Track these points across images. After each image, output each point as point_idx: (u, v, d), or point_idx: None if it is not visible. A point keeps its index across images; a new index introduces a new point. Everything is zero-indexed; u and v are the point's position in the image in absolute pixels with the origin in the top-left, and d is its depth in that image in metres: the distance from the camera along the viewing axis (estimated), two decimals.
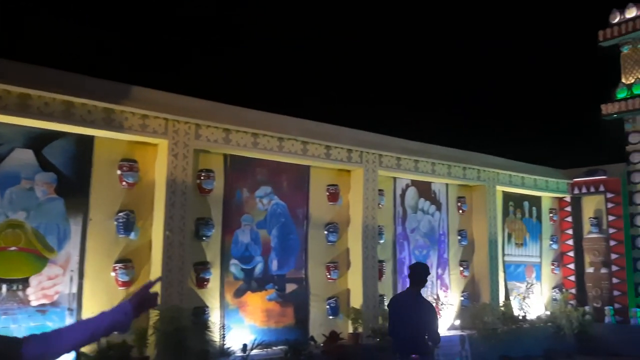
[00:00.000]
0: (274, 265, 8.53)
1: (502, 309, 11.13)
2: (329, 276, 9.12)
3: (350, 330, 8.96)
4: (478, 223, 11.52)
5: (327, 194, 9.33)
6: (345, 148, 9.15)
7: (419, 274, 5.45)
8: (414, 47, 20.95)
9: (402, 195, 10.55)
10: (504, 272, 12.02)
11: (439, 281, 10.90)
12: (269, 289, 8.44)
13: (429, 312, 5.37)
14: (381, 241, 9.85)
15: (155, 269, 7.04)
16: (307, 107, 12.46)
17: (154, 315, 6.56)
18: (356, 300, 9.20)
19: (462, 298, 11.15)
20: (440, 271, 11.00)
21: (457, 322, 10.74)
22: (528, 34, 20.42)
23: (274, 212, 8.61)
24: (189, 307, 7.20)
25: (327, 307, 9.04)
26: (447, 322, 10.63)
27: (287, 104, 11.39)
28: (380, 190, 9.89)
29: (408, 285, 5.68)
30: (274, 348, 7.95)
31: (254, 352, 7.62)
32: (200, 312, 7.46)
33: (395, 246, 10.25)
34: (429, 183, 10.95)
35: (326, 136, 8.91)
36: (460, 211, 11.47)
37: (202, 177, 7.77)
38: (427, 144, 10.63)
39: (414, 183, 10.70)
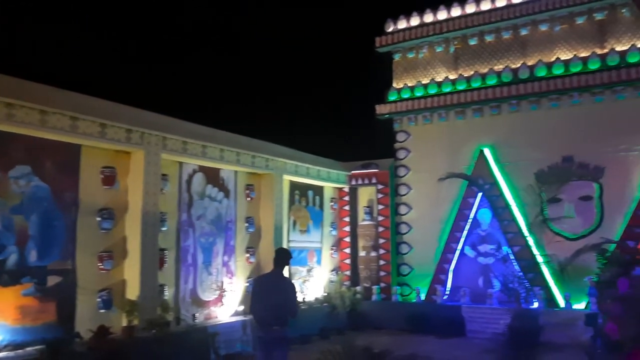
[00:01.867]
0: (32, 255, 7.49)
1: None
2: (101, 267, 8.38)
3: (125, 323, 8.37)
4: (265, 210, 11.80)
5: (102, 176, 8.54)
6: (123, 127, 8.47)
7: (282, 257, 6.24)
8: (209, 29, 20.68)
9: (189, 181, 10.23)
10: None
11: (224, 268, 10.88)
12: (25, 282, 7.38)
13: (291, 289, 6.10)
14: (163, 229, 9.41)
15: None
16: (78, 80, 11.32)
17: None
18: (133, 292, 8.63)
19: (247, 284, 11.31)
20: (226, 258, 10.97)
21: (242, 308, 10.85)
22: (320, 35, 21.73)
23: (34, 195, 7.55)
24: None
25: (99, 300, 8.30)
26: (230, 309, 10.68)
27: (53, 75, 10.17)
28: (164, 175, 9.43)
29: (273, 267, 6.30)
30: (28, 349, 6.98)
31: (1, 354, 6.58)
32: None
33: (179, 234, 9.89)
34: (218, 169, 10.84)
35: (101, 112, 8.12)
36: (249, 198, 11.61)
37: None
38: (216, 129, 10.48)
39: (202, 169, 10.47)
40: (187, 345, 8.68)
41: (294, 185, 12.90)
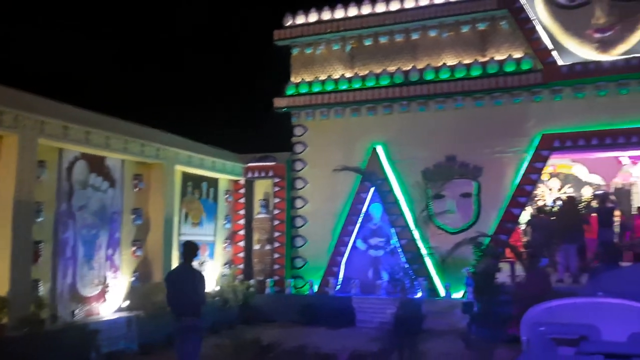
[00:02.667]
0: None
1: None
2: None
3: None
4: (155, 202, 11.32)
5: None
6: None
7: (189, 251, 6.66)
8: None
9: (70, 169, 9.52)
10: (179, 251, 12.15)
11: (108, 262, 10.28)
12: None
13: (200, 280, 6.57)
14: (39, 219, 8.68)
15: None
16: None
17: None
18: (2, 287, 7.87)
19: (133, 279, 10.79)
20: (110, 252, 10.37)
21: (126, 304, 10.33)
22: (221, 22, 21.29)
23: None
24: None
25: None
26: (114, 305, 10.12)
27: None
28: (41, 161, 8.70)
29: (182, 261, 6.88)
30: None
31: None
32: None
33: (57, 225, 9.18)
34: (103, 157, 10.20)
35: None
36: (137, 189, 11.07)
37: None
38: (101, 115, 9.85)
39: (85, 156, 9.78)
40: (63, 344, 8.07)
41: (186, 177, 12.50)
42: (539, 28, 11.73)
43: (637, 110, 11.04)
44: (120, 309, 10.19)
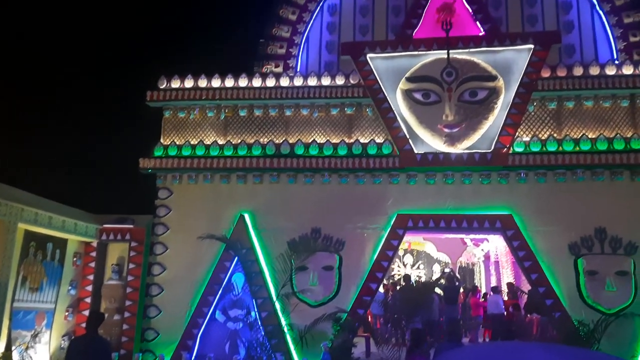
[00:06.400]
0: None
1: None
2: None
3: None
4: None
5: None
6: None
7: (93, 320, 6.70)
8: None
9: None
10: (10, 319, 10.67)
11: None
12: None
13: (102, 351, 6.54)
14: None
15: None
16: None
17: None
18: None
19: None
20: None
21: None
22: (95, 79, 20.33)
23: None
24: None
25: None
26: None
27: None
28: None
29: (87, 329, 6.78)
30: None
31: None
32: None
33: None
34: None
35: None
36: None
37: None
38: None
39: None
40: None
41: (30, 236, 11.24)
42: (398, 118, 12.91)
43: (478, 199, 12.43)
44: None
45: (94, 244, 13.05)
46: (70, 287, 12.54)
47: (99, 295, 12.83)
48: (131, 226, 13.08)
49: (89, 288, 12.85)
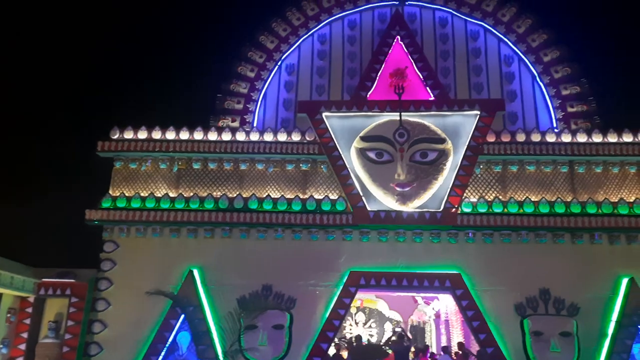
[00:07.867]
0: None
1: None
2: None
3: None
4: None
5: None
6: None
7: None
8: None
9: None
10: None
11: None
12: None
13: None
14: None
15: None
16: None
17: None
18: None
19: None
20: None
21: None
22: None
23: None
24: None
25: None
26: None
27: None
28: None
29: None
30: None
31: None
32: None
33: None
34: None
35: None
36: None
37: None
38: None
39: None
40: None
41: None
42: (352, 175, 13.14)
43: (429, 257, 12.62)
44: None
45: (31, 299, 12.31)
46: (1, 346, 11.70)
47: (32, 354, 12.00)
48: (72, 280, 12.48)
49: (22, 347, 12.03)
